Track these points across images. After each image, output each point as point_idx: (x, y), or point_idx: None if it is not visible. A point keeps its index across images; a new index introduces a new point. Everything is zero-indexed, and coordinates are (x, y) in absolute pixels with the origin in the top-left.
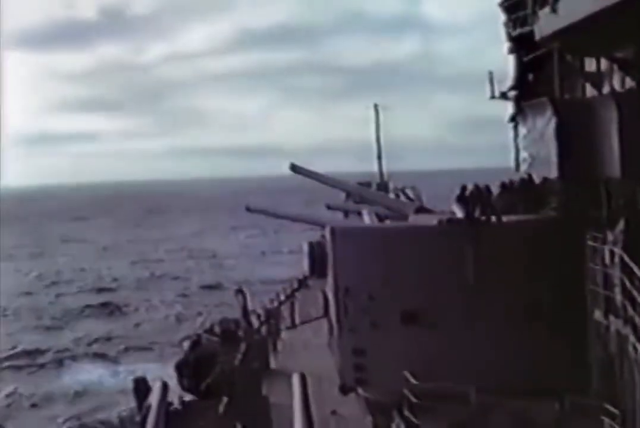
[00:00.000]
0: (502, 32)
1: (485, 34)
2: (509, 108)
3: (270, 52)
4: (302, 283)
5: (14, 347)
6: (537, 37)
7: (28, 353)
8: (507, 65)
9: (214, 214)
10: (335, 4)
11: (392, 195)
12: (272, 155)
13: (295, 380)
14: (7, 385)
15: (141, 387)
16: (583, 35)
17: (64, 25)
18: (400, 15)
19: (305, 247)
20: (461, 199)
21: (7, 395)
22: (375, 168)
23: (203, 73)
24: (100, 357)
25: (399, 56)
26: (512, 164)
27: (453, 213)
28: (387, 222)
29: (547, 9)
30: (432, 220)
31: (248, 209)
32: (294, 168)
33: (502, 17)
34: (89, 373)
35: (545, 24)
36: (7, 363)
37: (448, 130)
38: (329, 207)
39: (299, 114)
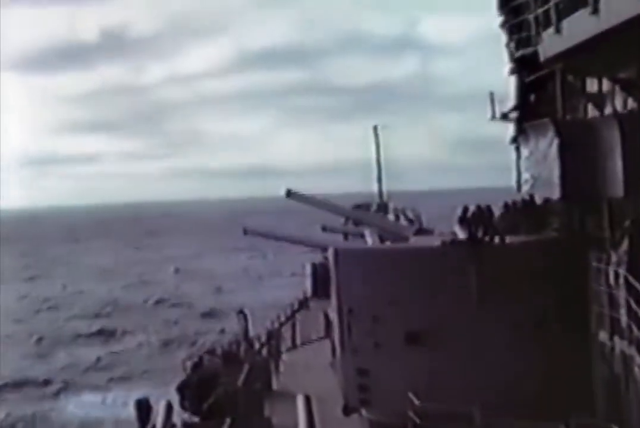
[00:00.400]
0: (500, 53)
1: (482, 54)
2: (510, 129)
3: (269, 73)
4: (303, 304)
5: (6, 376)
6: (542, 58)
7: (22, 382)
8: (507, 86)
9: (213, 235)
10: (333, 25)
11: (391, 216)
12: (271, 175)
13: (300, 402)
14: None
15: (143, 408)
16: (586, 56)
17: (65, 48)
18: (399, 36)
19: (308, 268)
20: (463, 220)
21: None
22: (375, 188)
23: (203, 94)
24: (96, 384)
25: (397, 76)
26: (512, 183)
27: (454, 234)
28: (388, 243)
29: (551, 30)
30: (434, 241)
31: (245, 232)
32: (289, 194)
33: (503, 38)
34: (86, 402)
35: (549, 44)
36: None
37: (447, 149)
38: (324, 229)
39: (298, 134)
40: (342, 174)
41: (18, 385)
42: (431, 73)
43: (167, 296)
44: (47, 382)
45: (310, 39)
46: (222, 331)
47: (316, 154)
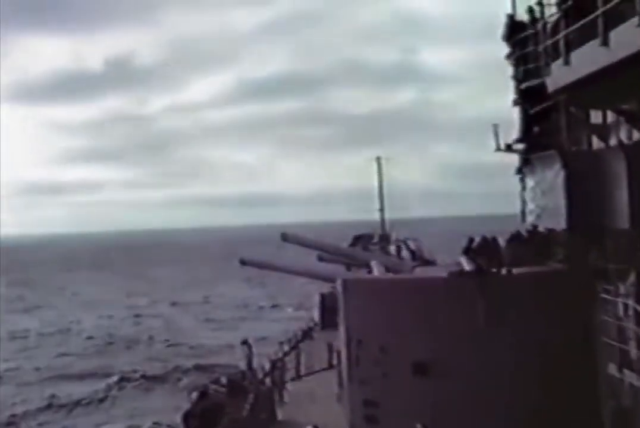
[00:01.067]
0: (497, 81)
1: (481, 82)
2: (515, 160)
3: (269, 103)
4: (307, 334)
5: None
6: (550, 89)
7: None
8: (511, 116)
9: (211, 264)
10: (332, 55)
11: (393, 247)
12: (270, 204)
13: None
14: None
15: None
16: (592, 87)
17: (68, 78)
18: (397, 65)
19: (317, 298)
20: (469, 251)
21: None
22: (373, 216)
23: (203, 124)
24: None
25: (396, 105)
26: (511, 210)
27: (458, 264)
28: (394, 274)
29: (560, 61)
30: (440, 272)
31: (243, 263)
32: (285, 237)
33: (509, 69)
34: None
35: (558, 76)
36: None
37: (445, 177)
38: (320, 259)
39: (297, 163)
40: (342, 202)
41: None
42: (429, 101)
43: (160, 331)
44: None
45: (309, 69)
46: (214, 369)
47: (315, 182)
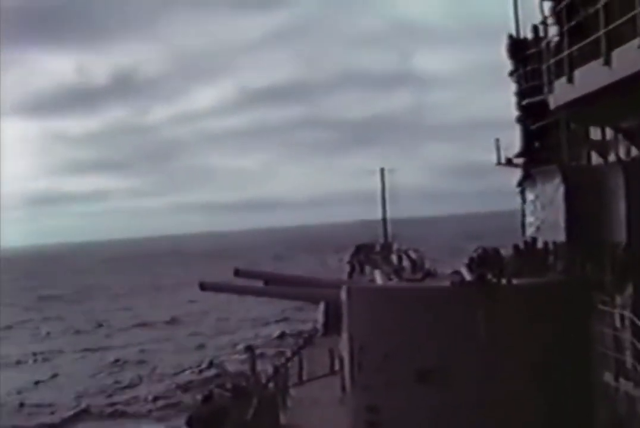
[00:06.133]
0: (490, 84)
1: (474, 85)
2: (516, 174)
3: (270, 110)
4: (308, 340)
5: None
6: (552, 106)
7: None
8: (505, 117)
9: (217, 266)
10: (330, 62)
11: (394, 257)
12: (273, 208)
13: None
14: None
15: None
16: (593, 105)
17: (72, 90)
18: (394, 70)
19: (322, 306)
20: (471, 262)
21: None
22: (375, 216)
23: (206, 132)
24: None
25: (393, 109)
26: (501, 208)
27: (459, 274)
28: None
29: (563, 79)
30: (443, 282)
31: (237, 273)
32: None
33: (512, 86)
34: None
35: (560, 93)
36: None
37: (440, 176)
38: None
39: (298, 167)
40: (342, 205)
41: None
42: (425, 104)
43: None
44: None
45: (308, 75)
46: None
47: (316, 185)
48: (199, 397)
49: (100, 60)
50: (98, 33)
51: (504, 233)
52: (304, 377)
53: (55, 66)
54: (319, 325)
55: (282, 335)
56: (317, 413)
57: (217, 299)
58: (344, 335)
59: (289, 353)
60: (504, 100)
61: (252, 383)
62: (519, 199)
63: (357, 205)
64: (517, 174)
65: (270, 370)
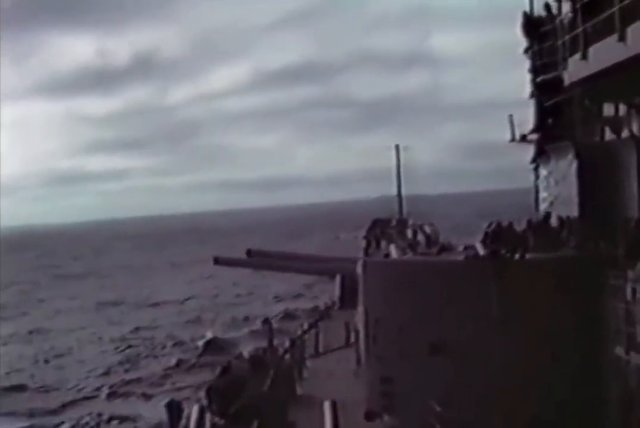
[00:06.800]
0: (502, 64)
1: (488, 65)
2: (529, 151)
3: (286, 90)
4: (325, 314)
5: None
6: (566, 82)
7: None
8: (518, 97)
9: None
10: (346, 43)
11: (410, 232)
12: (290, 186)
13: (327, 408)
14: None
15: (174, 410)
16: (607, 81)
17: (95, 72)
18: (409, 51)
19: (338, 279)
20: (485, 236)
21: None
22: (390, 192)
23: (224, 112)
24: None
25: (408, 89)
26: (514, 185)
27: (474, 248)
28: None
29: (577, 56)
30: (457, 256)
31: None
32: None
33: (526, 63)
34: None
35: (575, 70)
36: None
37: (456, 155)
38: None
39: (314, 146)
40: (359, 182)
41: None
42: (440, 84)
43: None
44: None
45: (324, 56)
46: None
47: (331, 164)
48: (218, 368)
49: (121, 42)
50: (118, 15)
51: (517, 210)
52: (320, 349)
53: (77, 48)
54: (336, 299)
55: (296, 311)
56: (332, 384)
57: (233, 275)
58: (360, 309)
59: (306, 326)
60: (519, 79)
61: (270, 355)
62: (532, 176)
63: (373, 182)
64: (530, 152)
65: (287, 342)
